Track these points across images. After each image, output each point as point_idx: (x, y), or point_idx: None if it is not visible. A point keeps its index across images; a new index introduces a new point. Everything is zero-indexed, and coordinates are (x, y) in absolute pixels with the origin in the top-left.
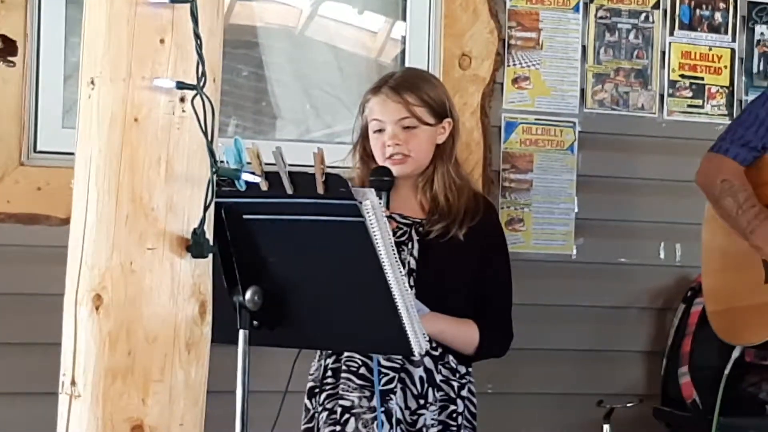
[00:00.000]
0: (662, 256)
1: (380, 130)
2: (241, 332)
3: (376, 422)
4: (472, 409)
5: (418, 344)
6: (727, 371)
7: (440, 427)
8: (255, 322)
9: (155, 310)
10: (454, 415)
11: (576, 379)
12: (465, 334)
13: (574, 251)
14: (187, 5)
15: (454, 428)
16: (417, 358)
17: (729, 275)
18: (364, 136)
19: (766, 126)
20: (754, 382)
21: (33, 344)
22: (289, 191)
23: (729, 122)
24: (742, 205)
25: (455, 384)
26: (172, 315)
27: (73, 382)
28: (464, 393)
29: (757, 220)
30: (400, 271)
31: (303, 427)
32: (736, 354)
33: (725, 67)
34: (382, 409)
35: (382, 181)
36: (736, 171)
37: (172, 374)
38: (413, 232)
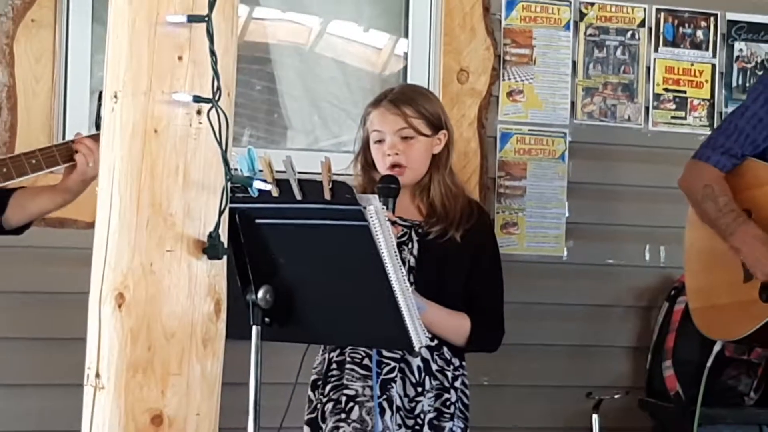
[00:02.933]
0: (647, 257)
1: (380, 141)
2: (254, 328)
3: (376, 410)
4: (465, 400)
5: (419, 339)
6: (709, 364)
7: (435, 413)
8: (267, 319)
9: (173, 308)
10: (448, 403)
11: (566, 373)
12: (456, 324)
13: (565, 253)
14: (203, 24)
15: (448, 416)
16: (417, 351)
17: (710, 275)
18: (365, 146)
19: (744, 135)
20: (734, 375)
21: (60, 339)
22: (299, 197)
23: (710, 132)
24: (722, 209)
25: (449, 374)
26: (189, 313)
27: (97, 375)
28: (457, 384)
29: (735, 223)
30: (402, 272)
31: (306, 418)
32: (717, 348)
33: (706, 81)
34: (384, 397)
35: (389, 188)
36: (717, 177)
37: (190, 368)
38: (413, 233)
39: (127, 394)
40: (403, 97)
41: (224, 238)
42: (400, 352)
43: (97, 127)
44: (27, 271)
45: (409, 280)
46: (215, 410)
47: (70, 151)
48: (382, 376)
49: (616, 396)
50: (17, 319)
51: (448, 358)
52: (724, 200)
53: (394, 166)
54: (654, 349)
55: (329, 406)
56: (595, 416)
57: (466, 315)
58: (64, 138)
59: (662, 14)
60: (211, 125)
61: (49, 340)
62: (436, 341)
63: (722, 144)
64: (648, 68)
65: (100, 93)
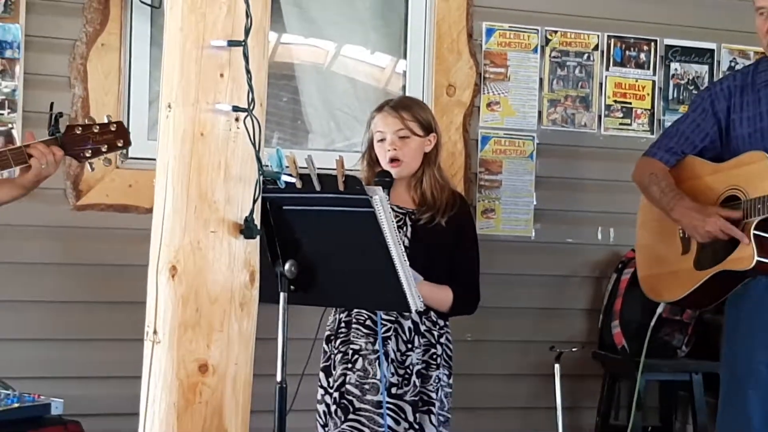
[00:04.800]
0: (599, 237)
1: (382, 140)
2: (281, 294)
3: (377, 360)
4: (449, 352)
5: (414, 303)
6: (652, 324)
7: (423, 365)
8: (291, 287)
9: (216, 277)
10: (434, 356)
11: (534, 330)
12: (442, 296)
13: (533, 234)
14: (241, 48)
15: (434, 366)
16: (413, 313)
17: (655, 248)
18: (370, 146)
19: (684, 137)
20: (669, 332)
21: (124, 303)
22: (318, 188)
23: (651, 137)
24: (664, 190)
25: (435, 333)
26: (229, 281)
27: (155, 332)
28: (442, 340)
29: (674, 200)
30: (401, 249)
31: (321, 365)
32: (660, 310)
33: (648, 94)
34: (383, 350)
35: (384, 181)
36: (662, 169)
37: (229, 326)
38: (407, 219)
39: (178, 347)
40: (401, 104)
41: (257, 221)
42: (394, 315)
43: (51, 133)
44: (96, 247)
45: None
46: (250, 360)
47: (23, 155)
48: (381, 335)
49: (574, 349)
50: (89, 286)
51: (435, 320)
52: (665, 183)
53: (392, 159)
54: (604, 311)
55: (338, 357)
56: (556, 366)
57: (448, 288)
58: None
59: (612, 40)
60: (247, 130)
61: (114, 303)
62: (423, 307)
63: (666, 144)
64: (601, 84)
65: (58, 114)
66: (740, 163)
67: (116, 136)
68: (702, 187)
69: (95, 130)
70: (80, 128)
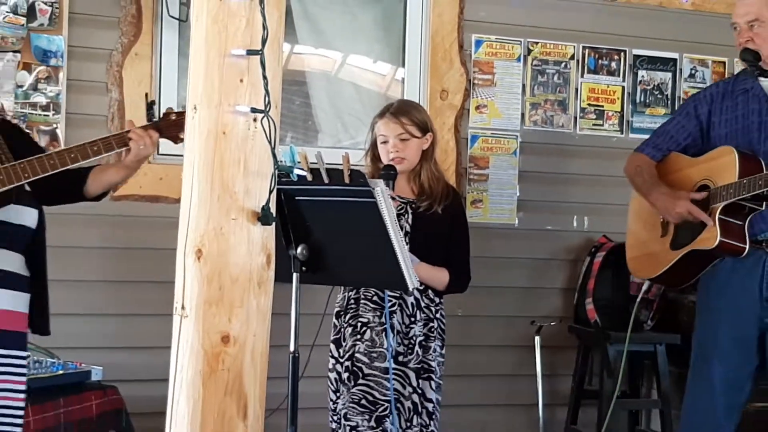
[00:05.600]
0: (575, 225)
1: (385, 142)
2: (294, 274)
3: (384, 332)
4: (443, 326)
5: (411, 282)
6: (637, 303)
7: (423, 336)
8: (303, 268)
9: (237, 260)
10: (432, 329)
11: (517, 307)
12: (439, 277)
13: (516, 222)
14: (258, 56)
15: (432, 337)
16: (411, 291)
17: (641, 233)
18: (373, 145)
19: (670, 136)
20: (635, 308)
21: (155, 282)
22: (326, 181)
23: (621, 135)
24: (646, 179)
25: (433, 309)
26: (248, 263)
27: (182, 307)
28: (438, 315)
29: (652, 187)
30: (400, 234)
31: (332, 338)
32: (645, 288)
33: (618, 98)
34: (390, 323)
35: (389, 174)
36: (647, 162)
37: (248, 302)
38: (408, 207)
39: (204, 320)
40: (400, 109)
41: (273, 209)
42: (398, 292)
43: (148, 119)
44: (131, 233)
45: (405, 241)
46: (267, 332)
47: (124, 138)
48: (388, 309)
49: (552, 323)
50: (124, 267)
51: (432, 297)
52: (647, 174)
53: (397, 159)
54: (579, 290)
55: (348, 330)
56: (537, 338)
57: (445, 269)
58: None
59: (587, 50)
60: (264, 129)
61: (146, 282)
62: (423, 286)
63: (654, 141)
64: (576, 89)
65: (151, 102)
66: (712, 157)
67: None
68: (681, 177)
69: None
70: (174, 115)
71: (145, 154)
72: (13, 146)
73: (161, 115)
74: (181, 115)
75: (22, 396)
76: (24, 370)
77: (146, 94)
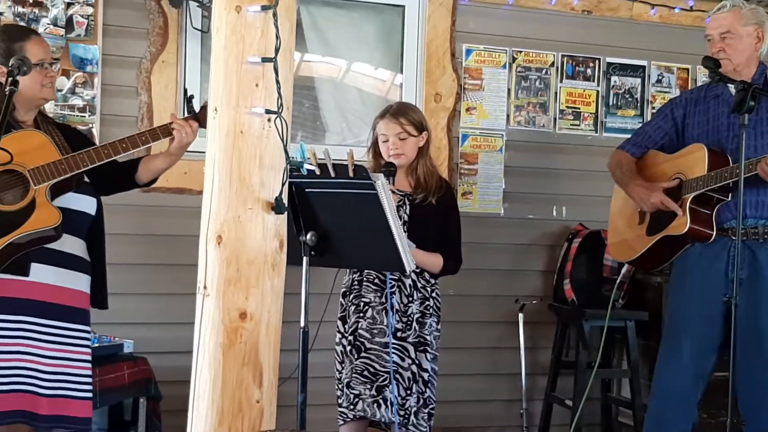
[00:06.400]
0: (554, 214)
1: (386, 140)
2: (304, 258)
3: (384, 310)
4: (438, 304)
5: (408, 265)
6: (615, 286)
7: (420, 314)
8: (312, 252)
9: (253, 244)
10: (428, 307)
11: (502, 287)
12: (434, 261)
13: (502, 211)
14: (272, 64)
15: (428, 314)
16: (412, 273)
17: (621, 221)
18: (375, 143)
19: (648, 135)
20: (608, 288)
21: (180, 264)
22: (333, 175)
23: (596, 134)
24: (625, 173)
25: (429, 289)
26: (263, 248)
27: (204, 287)
28: (434, 294)
29: (630, 180)
30: (398, 222)
31: (339, 315)
32: (623, 271)
33: (593, 101)
34: (390, 302)
35: (389, 170)
36: (628, 159)
37: (263, 283)
38: (406, 199)
39: (223, 299)
40: (399, 111)
41: (285, 200)
42: (397, 275)
43: (188, 112)
44: (159, 221)
45: (403, 229)
46: (279, 309)
47: (168, 129)
48: (389, 290)
49: (534, 302)
50: (152, 251)
51: (428, 278)
52: (626, 169)
53: (396, 155)
54: (558, 272)
55: (352, 308)
56: (520, 314)
57: (439, 255)
58: None
59: (565, 58)
60: (277, 128)
61: (172, 264)
62: (419, 269)
63: (635, 140)
64: (556, 93)
65: (190, 97)
66: (685, 153)
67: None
68: (658, 172)
69: None
70: None
71: (187, 142)
72: (72, 143)
73: (200, 108)
74: None
75: (89, 365)
76: (88, 343)
77: (185, 90)
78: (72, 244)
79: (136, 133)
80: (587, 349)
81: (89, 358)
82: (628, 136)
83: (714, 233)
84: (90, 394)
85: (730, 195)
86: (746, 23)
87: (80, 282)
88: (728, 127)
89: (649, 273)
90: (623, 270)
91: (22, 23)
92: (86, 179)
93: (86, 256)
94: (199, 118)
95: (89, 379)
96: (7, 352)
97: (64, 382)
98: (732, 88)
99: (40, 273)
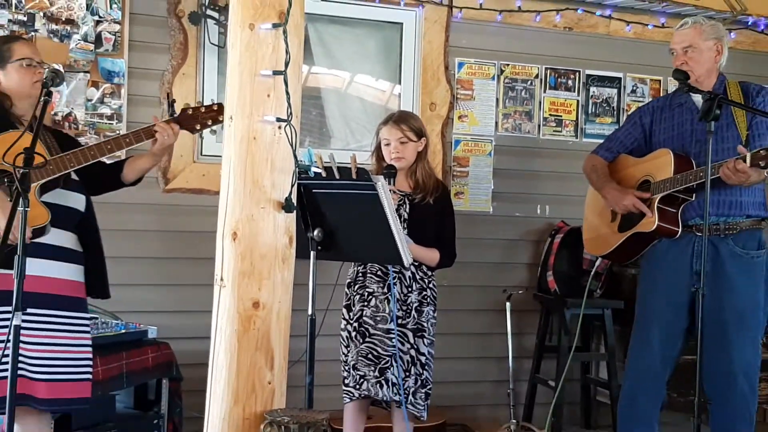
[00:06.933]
0: (538, 212)
1: (388, 144)
2: (311, 252)
3: (386, 300)
4: (435, 294)
5: (406, 259)
6: (591, 276)
7: (418, 303)
8: (319, 247)
9: (265, 240)
10: (425, 296)
11: (492, 278)
12: (431, 255)
13: (491, 209)
14: (282, 76)
15: (426, 303)
16: (411, 266)
17: (595, 219)
18: (378, 147)
19: (619, 141)
20: (587, 279)
21: (199, 258)
22: (337, 177)
23: (576, 140)
24: (600, 177)
25: (426, 280)
26: (274, 243)
27: (221, 279)
28: (431, 285)
29: (605, 183)
30: (397, 220)
31: (344, 304)
32: (597, 263)
33: (573, 110)
34: (392, 291)
35: (390, 171)
36: (601, 163)
37: (274, 275)
38: (406, 199)
39: (238, 290)
40: (401, 118)
41: (294, 200)
42: (398, 267)
43: (170, 115)
44: (180, 219)
45: (402, 226)
46: (289, 299)
47: (151, 131)
48: (390, 281)
49: (520, 292)
50: (174, 246)
51: (425, 270)
52: (601, 172)
53: (397, 158)
54: (542, 264)
55: (356, 298)
56: (507, 303)
57: (436, 250)
58: (201, 142)
59: (548, 71)
60: (286, 135)
61: (192, 258)
62: (418, 263)
63: (607, 145)
64: (540, 102)
65: (172, 101)
66: (652, 157)
67: (219, 113)
68: (628, 174)
69: (202, 110)
70: (191, 110)
71: (169, 143)
72: (63, 145)
73: (180, 111)
74: (196, 110)
75: (87, 349)
76: (86, 328)
77: (168, 94)
78: (61, 238)
79: (120, 135)
80: (568, 335)
81: (87, 342)
82: None
83: (680, 230)
84: (88, 376)
85: (693, 195)
86: (707, 38)
87: (72, 272)
88: (691, 133)
89: (624, 266)
90: (597, 262)
91: (55, 40)
92: (75, 177)
93: (77, 248)
94: (180, 120)
95: (88, 362)
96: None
97: (60, 366)
98: (694, 97)
99: (31, 266)
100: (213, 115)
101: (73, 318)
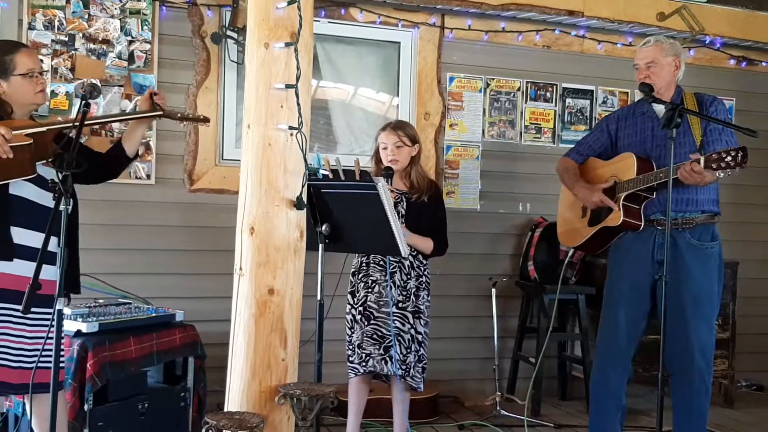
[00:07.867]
0: (520, 209)
1: (385, 148)
2: (320, 245)
3: (388, 286)
4: (429, 280)
5: (404, 250)
6: (564, 266)
7: (416, 288)
8: (326, 240)
9: (279, 234)
10: (421, 282)
11: (479, 267)
12: (426, 244)
13: (479, 207)
14: (293, 89)
15: (422, 288)
16: (408, 256)
17: (568, 214)
18: (377, 151)
19: (588, 145)
20: (562, 268)
21: (220, 250)
22: (343, 178)
23: (554, 145)
24: (571, 177)
25: (422, 268)
26: (286, 237)
27: (240, 269)
28: (426, 272)
29: (576, 183)
30: (395, 216)
31: (349, 291)
32: (569, 255)
33: (551, 119)
34: (392, 280)
35: (388, 172)
36: (572, 165)
37: (287, 265)
38: (403, 197)
39: (256, 278)
40: (397, 125)
41: (305, 198)
42: (398, 258)
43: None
44: (203, 215)
45: (401, 222)
46: (300, 286)
47: (153, 108)
48: (390, 269)
49: (504, 279)
50: (199, 240)
51: (421, 260)
52: (572, 173)
53: (393, 161)
54: (524, 255)
55: (361, 285)
56: (493, 290)
57: (430, 239)
58: (222, 147)
59: (529, 84)
60: (298, 141)
61: (214, 250)
62: (415, 252)
63: (577, 149)
64: (521, 112)
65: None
66: (618, 160)
67: (203, 120)
68: (597, 175)
69: (189, 117)
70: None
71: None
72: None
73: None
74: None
75: (28, 341)
76: (45, 322)
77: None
78: (39, 240)
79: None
80: (547, 317)
81: (31, 335)
82: None
83: (642, 224)
84: (23, 365)
85: (654, 193)
86: (667, 54)
87: (48, 273)
88: (652, 139)
89: (596, 256)
90: (571, 253)
91: (93, 57)
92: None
93: (54, 249)
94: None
95: (25, 352)
96: None
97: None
98: (656, 106)
99: (10, 266)
100: (197, 117)
101: (40, 314)
